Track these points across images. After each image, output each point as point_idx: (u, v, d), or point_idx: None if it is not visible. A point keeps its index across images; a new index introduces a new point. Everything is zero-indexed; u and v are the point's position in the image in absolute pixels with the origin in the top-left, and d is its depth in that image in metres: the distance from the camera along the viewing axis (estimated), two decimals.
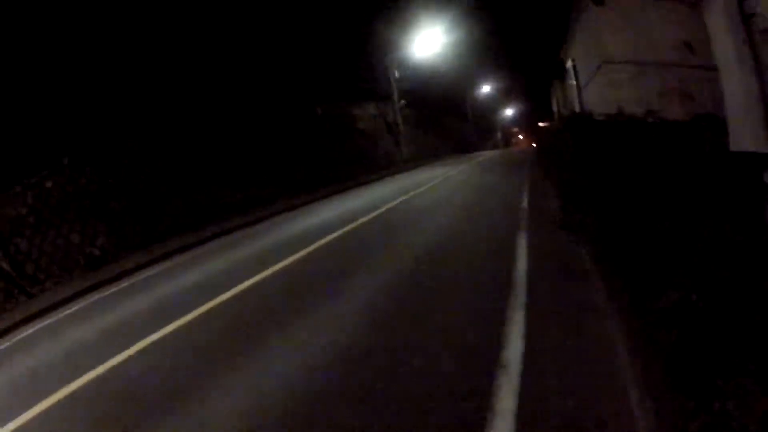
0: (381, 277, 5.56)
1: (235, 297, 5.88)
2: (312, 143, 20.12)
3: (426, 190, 13.83)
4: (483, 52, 36.33)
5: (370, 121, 26.18)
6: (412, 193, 13.07)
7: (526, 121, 69.68)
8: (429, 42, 27.05)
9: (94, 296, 8.68)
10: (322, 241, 8.27)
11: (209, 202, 14.60)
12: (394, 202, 11.71)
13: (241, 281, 6.43)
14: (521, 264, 5.08)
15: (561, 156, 12.32)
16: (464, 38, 30.78)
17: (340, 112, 23.20)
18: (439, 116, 38.06)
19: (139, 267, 10.17)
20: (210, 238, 12.00)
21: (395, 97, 27.43)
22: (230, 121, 16.49)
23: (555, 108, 23.06)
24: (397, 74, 27.39)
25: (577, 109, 13.58)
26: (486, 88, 49.25)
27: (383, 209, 10.91)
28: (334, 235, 8.67)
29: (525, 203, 8.90)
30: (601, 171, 7.70)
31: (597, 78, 11.72)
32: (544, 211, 7.97)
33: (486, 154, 32.31)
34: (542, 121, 50.68)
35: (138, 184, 13.41)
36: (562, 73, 17.15)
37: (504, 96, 56.69)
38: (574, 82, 13.95)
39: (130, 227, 12.79)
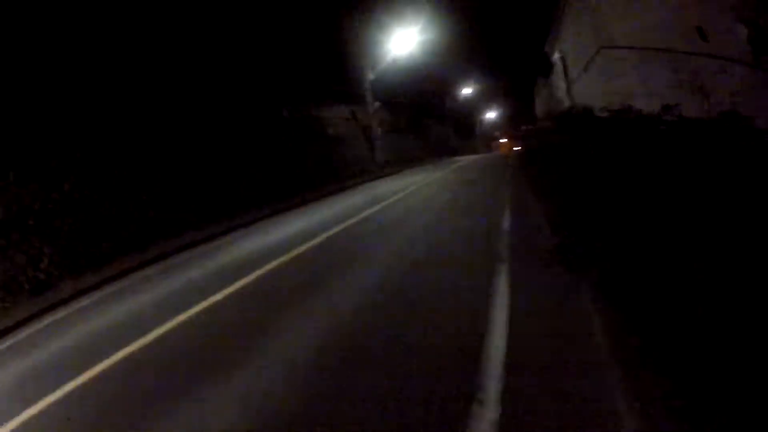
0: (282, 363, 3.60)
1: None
2: (275, 150, 18.03)
3: (392, 203, 11.94)
4: (462, 51, 34.71)
5: (342, 125, 24.17)
6: (372, 210, 11.14)
7: (508, 124, 68.54)
8: (405, 41, 25.21)
9: (23, 331, 7.05)
10: (237, 285, 6.29)
11: (161, 217, 12.51)
12: (347, 223, 9.76)
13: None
14: (497, 341, 3.20)
15: (553, 163, 10.54)
16: (442, 37, 29.07)
17: (307, 115, 21.16)
18: (417, 119, 36.29)
19: (78, 294, 8.44)
20: (150, 261, 10.03)
21: (369, 98, 25.50)
22: (187, 128, 14.35)
23: (540, 108, 21.32)
24: (371, 75, 25.46)
25: (565, 105, 11.84)
26: (467, 90, 47.68)
27: (331, 232, 8.94)
28: (249, 278, 6.66)
29: (507, 224, 7.08)
30: (611, 184, 5.88)
31: (592, 68, 9.96)
32: (531, 234, 6.18)
33: (465, 160, 30.62)
34: (525, 124, 49.47)
35: (85, 200, 11.27)
36: (547, 69, 15.36)
37: (485, 98, 55.26)
38: (563, 77, 12.18)
39: (76, 248, 10.78)
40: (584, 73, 9.96)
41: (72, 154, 11.48)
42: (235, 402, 3.18)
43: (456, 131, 49.68)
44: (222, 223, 12.55)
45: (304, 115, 20.97)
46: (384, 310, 4.35)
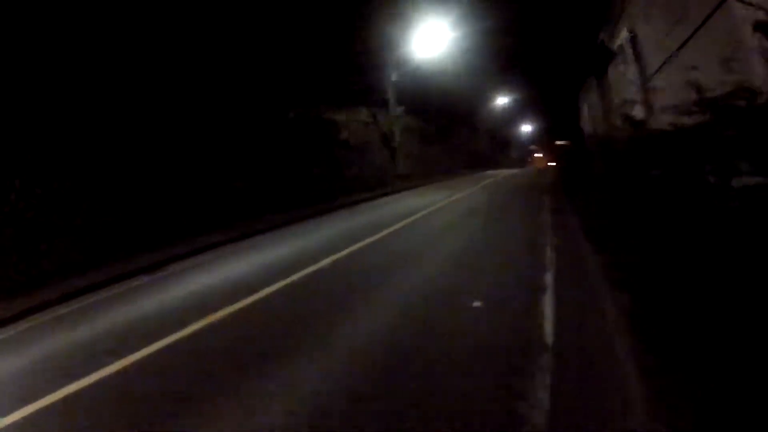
0: None
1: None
2: (269, 158, 15.53)
3: (396, 231, 9.18)
4: (499, 56, 31.59)
5: (360, 130, 21.53)
6: (361, 244, 8.40)
7: (545, 137, 64.54)
8: (434, 40, 22.50)
9: None
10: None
11: (116, 233, 10.17)
12: (307, 270, 7.04)
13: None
14: None
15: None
16: (476, 38, 26.15)
17: (318, 117, 18.61)
18: (447, 127, 33.36)
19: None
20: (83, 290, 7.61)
21: (392, 102, 22.82)
22: (168, 125, 12.01)
23: (590, 117, 17.97)
24: (395, 76, 22.80)
25: (638, 112, 8.62)
26: (502, 100, 44.31)
27: (308, 271, 6.23)
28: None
29: (548, 297, 4.28)
30: None
31: (700, 42, 6.50)
32: (587, 324, 3.42)
33: (499, 175, 27.46)
34: (560, 139, 45.67)
35: (27, 212, 8.98)
36: (602, 65, 11.92)
37: (522, 108, 51.67)
38: (634, 66, 8.74)
39: (7, 268, 8.56)
40: (675, 57, 6.55)
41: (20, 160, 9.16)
42: None
43: (490, 143, 46.46)
44: (164, 250, 9.95)
45: (315, 117, 18.43)
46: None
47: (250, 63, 15.69)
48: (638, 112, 8.51)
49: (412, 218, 10.82)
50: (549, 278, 4.97)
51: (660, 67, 7.31)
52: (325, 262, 6.96)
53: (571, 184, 14.52)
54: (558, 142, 42.88)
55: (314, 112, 18.56)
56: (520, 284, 4.88)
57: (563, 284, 4.72)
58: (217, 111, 13.83)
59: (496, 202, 13.14)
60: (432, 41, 22.31)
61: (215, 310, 5.18)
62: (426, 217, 10.85)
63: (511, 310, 4.15)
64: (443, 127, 32.13)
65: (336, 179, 18.07)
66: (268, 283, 6.05)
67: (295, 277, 6.26)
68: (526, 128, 61.20)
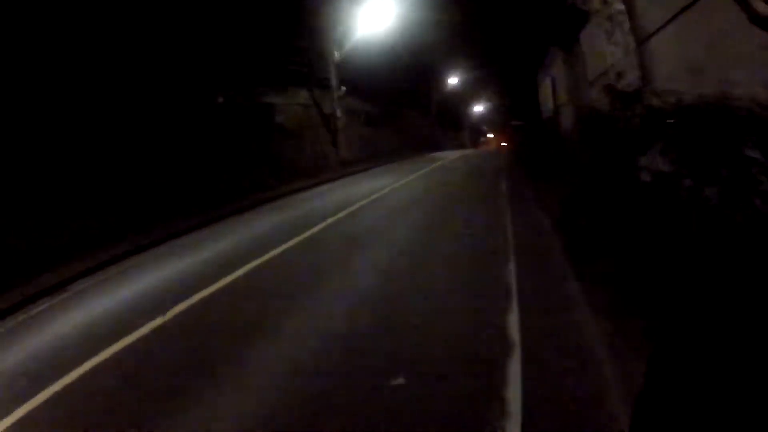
0: None
1: None
2: (199, 147, 14.06)
3: (318, 234, 8.22)
4: (450, 30, 30.56)
5: (299, 114, 20.14)
6: (269, 253, 7.43)
7: (498, 118, 64.63)
8: (379, 16, 21.23)
9: None
10: None
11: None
12: (223, 282, 6.04)
13: None
14: None
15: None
16: (425, 11, 25.10)
17: (251, 101, 17.11)
18: (395, 109, 32.32)
19: None
20: None
21: (334, 82, 21.48)
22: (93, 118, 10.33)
23: (547, 95, 17.30)
24: (337, 55, 21.43)
25: (631, 82, 7.50)
26: (453, 80, 43.55)
27: (182, 307, 5.22)
28: None
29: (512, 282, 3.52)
30: None
31: None
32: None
33: (449, 156, 26.87)
34: (515, 120, 45.53)
35: None
36: (574, 29, 10.45)
37: (475, 88, 51.20)
38: (621, 29, 7.49)
39: None
40: (689, 9, 5.26)
41: None
42: None
43: (441, 124, 45.81)
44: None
45: (248, 101, 16.94)
46: None
47: (169, 42, 13.98)
48: (630, 81, 7.52)
49: (350, 210, 9.87)
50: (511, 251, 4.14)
51: (670, 21, 6.00)
52: (216, 286, 5.93)
53: (527, 164, 13.92)
54: (513, 123, 42.59)
55: (248, 96, 17.05)
56: (489, 249, 4.02)
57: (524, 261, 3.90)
58: (127, 98, 12.19)
59: (441, 190, 12.38)
60: (377, 18, 21.03)
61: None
62: (358, 213, 9.91)
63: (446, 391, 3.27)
64: (390, 110, 31.05)
65: (271, 167, 16.76)
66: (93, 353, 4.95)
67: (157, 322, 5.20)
68: (479, 109, 61.01)
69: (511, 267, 5.49)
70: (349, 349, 3.88)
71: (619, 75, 7.75)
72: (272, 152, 17.21)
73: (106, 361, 4.19)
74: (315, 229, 8.49)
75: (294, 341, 4.12)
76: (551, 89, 15.58)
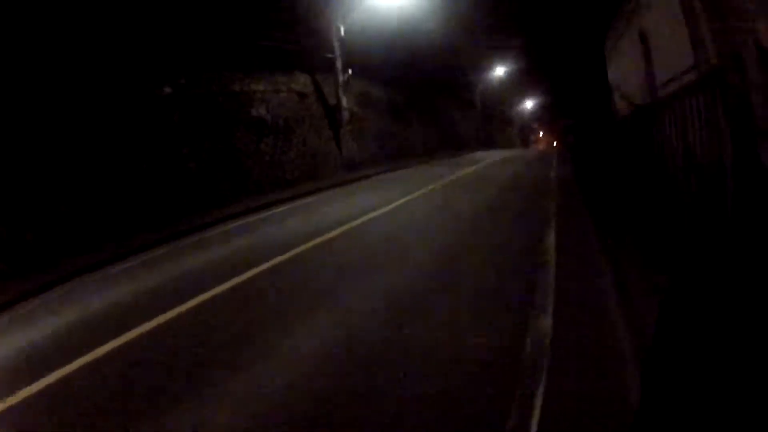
0: None
1: None
2: (128, 153, 9.90)
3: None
4: (495, 9, 25.31)
5: (286, 103, 15.57)
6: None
7: (547, 116, 57.89)
8: None
9: None
10: None
11: None
12: None
13: None
14: None
15: None
16: None
17: (211, 90, 12.70)
18: (426, 99, 27.27)
19: None
20: None
21: (339, 64, 16.86)
22: None
23: (619, 76, 11.80)
24: (342, 28, 16.80)
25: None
26: (500, 70, 37.53)
27: None
28: None
29: None
30: None
31: None
32: None
33: (488, 159, 21.44)
34: (566, 118, 39.54)
35: None
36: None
37: (522, 83, 44.86)
38: None
39: None
40: None
41: None
42: None
43: (488, 120, 40.15)
44: None
45: (208, 89, 12.58)
46: None
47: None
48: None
49: (261, 267, 5.26)
50: None
51: None
52: None
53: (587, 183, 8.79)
54: (566, 122, 37.48)
55: (209, 83, 12.70)
56: None
57: None
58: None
59: (465, 212, 7.49)
60: None
61: None
62: (281, 268, 5.25)
63: None
64: (420, 100, 26.03)
65: (235, 175, 12.39)
66: None
67: None
68: (529, 105, 54.44)
69: None
70: None
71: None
72: (239, 155, 12.80)
73: None
74: (182, 308, 4.01)
75: None
76: (642, 56, 9.15)
